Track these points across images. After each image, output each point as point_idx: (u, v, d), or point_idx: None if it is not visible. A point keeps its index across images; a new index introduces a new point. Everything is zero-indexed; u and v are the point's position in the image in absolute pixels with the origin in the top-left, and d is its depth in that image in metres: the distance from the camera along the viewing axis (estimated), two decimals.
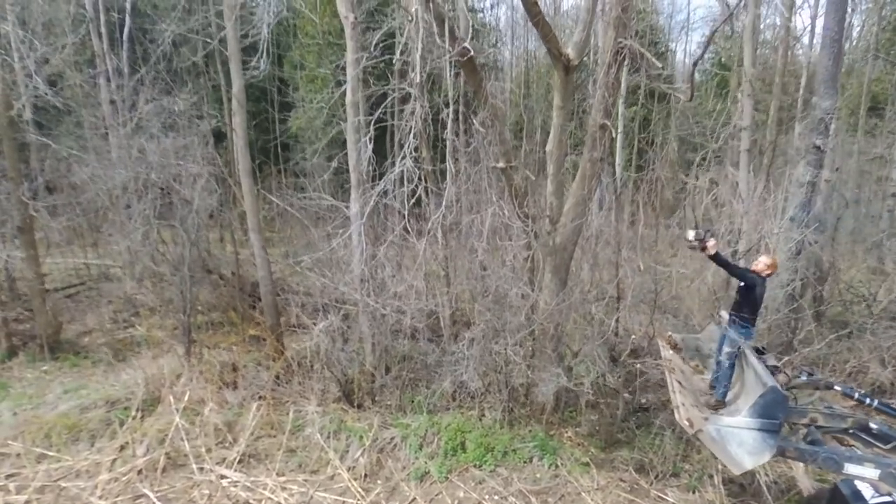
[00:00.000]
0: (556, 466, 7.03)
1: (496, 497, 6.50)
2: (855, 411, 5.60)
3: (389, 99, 7.25)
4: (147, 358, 9.58)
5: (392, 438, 7.50)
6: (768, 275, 5.53)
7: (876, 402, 5.10)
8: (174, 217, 9.35)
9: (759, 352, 5.86)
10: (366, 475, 6.90)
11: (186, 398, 7.95)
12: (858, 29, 22.07)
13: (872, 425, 4.69)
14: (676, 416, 4.99)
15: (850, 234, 13.95)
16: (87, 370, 9.84)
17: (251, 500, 6.47)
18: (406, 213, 6.30)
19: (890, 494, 4.21)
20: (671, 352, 6.30)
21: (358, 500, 6.48)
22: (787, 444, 4.54)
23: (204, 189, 9.94)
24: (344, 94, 8.45)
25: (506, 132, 7.02)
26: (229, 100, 15.81)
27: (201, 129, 11.97)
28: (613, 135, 6.14)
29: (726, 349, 5.54)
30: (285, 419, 7.83)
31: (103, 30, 14.51)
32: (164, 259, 10.26)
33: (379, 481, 6.84)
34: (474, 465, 7.06)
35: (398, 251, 8.78)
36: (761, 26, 18.48)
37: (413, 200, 6.76)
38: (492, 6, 24.89)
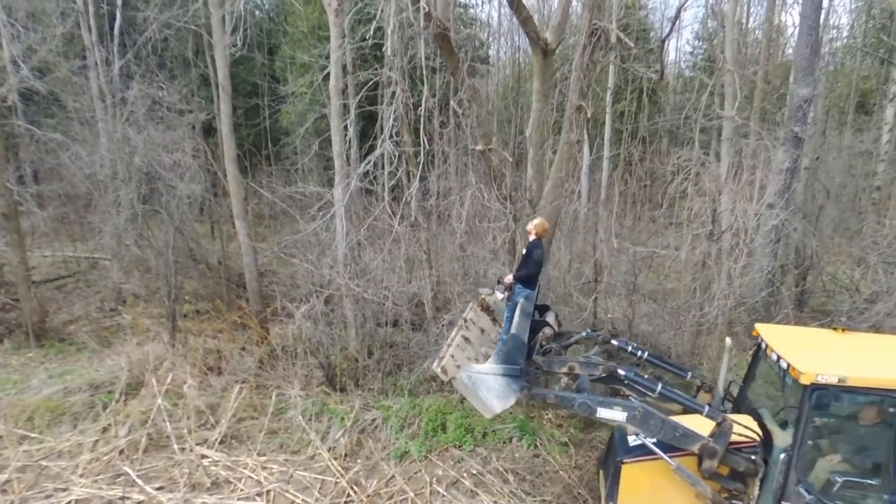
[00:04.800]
0: (536, 446, 7.11)
1: (474, 473, 6.56)
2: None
3: (371, 83, 7.31)
4: (132, 344, 9.57)
5: (373, 420, 7.57)
6: (538, 235, 5.86)
7: (646, 355, 5.73)
8: (158, 202, 9.38)
9: (545, 309, 6.21)
10: (346, 455, 6.96)
11: (169, 381, 7.98)
12: (848, 28, 22.36)
13: (621, 371, 5.03)
14: (434, 366, 5.25)
15: (834, 227, 14.04)
16: (72, 356, 9.86)
17: (231, 479, 6.52)
18: (386, 194, 6.37)
19: (637, 435, 4.56)
20: (478, 312, 6.42)
21: (337, 478, 6.54)
22: (549, 392, 4.97)
23: (191, 179, 9.98)
24: (328, 80, 8.49)
25: (484, 114, 7.09)
26: (219, 96, 15.84)
27: (189, 121, 12.01)
28: (589, 114, 6.21)
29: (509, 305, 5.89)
30: (268, 402, 7.87)
31: (92, 22, 14.54)
32: (148, 244, 10.28)
33: (359, 460, 6.90)
34: (454, 446, 7.13)
35: (381, 236, 8.82)
36: (749, 26, 18.71)
37: (394, 183, 6.83)
38: (482, 2, 24.94)
